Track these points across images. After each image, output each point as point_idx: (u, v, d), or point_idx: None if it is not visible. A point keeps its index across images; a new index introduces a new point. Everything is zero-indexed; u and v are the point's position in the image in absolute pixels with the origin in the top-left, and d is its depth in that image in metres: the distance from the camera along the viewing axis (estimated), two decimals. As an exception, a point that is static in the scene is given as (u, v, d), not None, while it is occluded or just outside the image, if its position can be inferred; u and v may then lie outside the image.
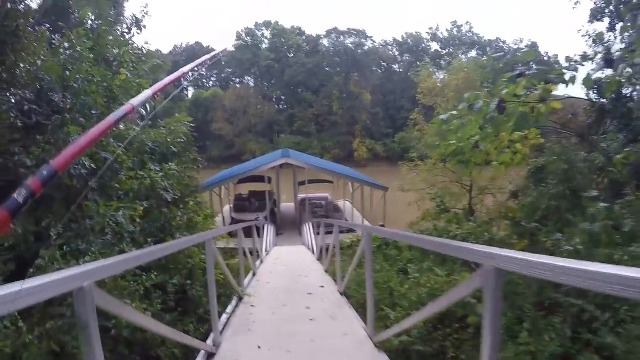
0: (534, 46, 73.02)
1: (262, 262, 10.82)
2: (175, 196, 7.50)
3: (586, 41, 18.59)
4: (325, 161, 33.05)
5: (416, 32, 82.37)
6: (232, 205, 25.54)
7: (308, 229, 15.89)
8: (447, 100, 20.50)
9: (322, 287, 7.66)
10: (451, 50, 78.14)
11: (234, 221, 23.35)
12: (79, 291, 1.87)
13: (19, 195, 1.21)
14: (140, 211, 5.96)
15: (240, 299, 6.55)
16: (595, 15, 18.28)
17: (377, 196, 24.51)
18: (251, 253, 9.58)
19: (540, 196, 12.04)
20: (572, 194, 10.56)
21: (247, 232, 9.67)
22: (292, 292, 7.34)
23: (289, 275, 9.20)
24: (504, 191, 17.85)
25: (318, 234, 13.88)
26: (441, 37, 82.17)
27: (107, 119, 1.78)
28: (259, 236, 11.87)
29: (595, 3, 18.25)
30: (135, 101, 2.08)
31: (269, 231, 15.65)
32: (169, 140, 9.22)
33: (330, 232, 11.34)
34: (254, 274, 8.90)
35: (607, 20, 17.81)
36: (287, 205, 30.20)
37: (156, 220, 6.68)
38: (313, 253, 13.11)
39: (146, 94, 2.29)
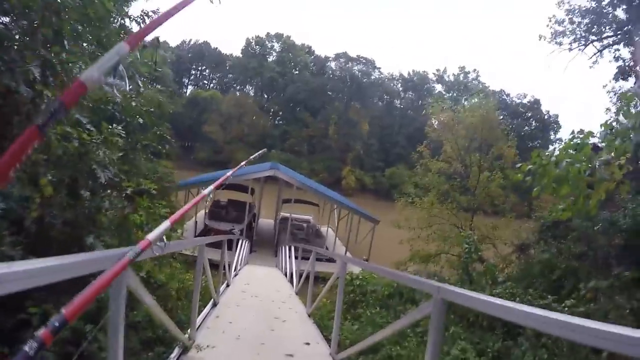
0: (536, 102, 73.56)
1: (228, 285, 9.01)
2: (119, 180, 5.01)
3: (610, 98, 18.98)
4: (314, 182, 31.23)
5: (423, 71, 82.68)
6: (207, 211, 23.78)
7: (286, 253, 14.13)
8: (456, 139, 19.28)
9: (307, 344, 5.65)
10: (455, 94, 78.30)
11: (206, 228, 21.68)
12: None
13: (30, 349, 1.18)
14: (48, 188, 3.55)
15: (184, 350, 4.53)
16: (623, 72, 18.83)
17: (364, 229, 22.69)
18: (216, 267, 8.18)
19: (558, 254, 10.81)
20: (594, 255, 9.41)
21: (217, 243, 8.06)
22: (264, 350, 5.12)
23: (261, 314, 6.99)
24: (504, 241, 16.65)
25: (296, 257, 12.37)
26: (447, 80, 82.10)
27: (122, 259, 1.76)
28: (229, 249, 10.01)
29: (622, 60, 18.93)
30: (152, 236, 2.04)
31: (242, 247, 13.89)
32: (134, 104, 6.44)
33: (307, 258, 10.46)
34: (215, 304, 6.92)
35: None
36: (265, 222, 28.60)
37: (65, 208, 4.06)
38: (290, 282, 11.46)
39: (164, 225, 2.19)
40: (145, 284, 4.15)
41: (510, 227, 18.12)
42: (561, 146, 5.76)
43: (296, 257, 12.12)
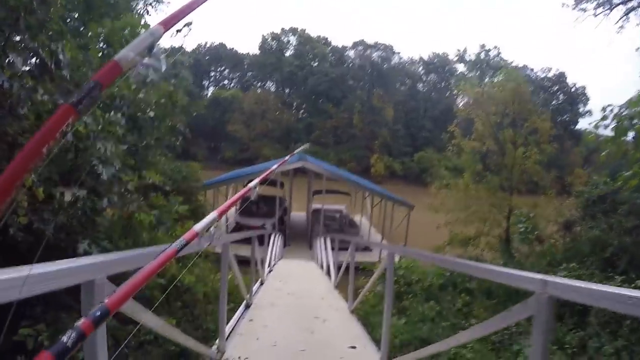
0: (561, 76, 71.44)
1: (262, 283, 8.65)
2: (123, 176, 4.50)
3: None
4: (344, 171, 30.67)
5: (443, 53, 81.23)
6: (237, 208, 23.58)
7: (321, 245, 13.71)
8: (487, 115, 18.48)
9: (353, 347, 5.10)
10: (478, 73, 76.78)
11: (237, 226, 21.48)
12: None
13: (68, 338, 1.07)
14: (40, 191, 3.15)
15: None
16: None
17: (398, 215, 22.13)
18: (248, 264, 7.76)
19: (608, 229, 10.15)
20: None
21: (249, 239, 7.65)
22: (305, 358, 4.64)
23: (299, 314, 6.44)
24: (547, 220, 15.88)
25: (332, 249, 11.98)
26: (468, 59, 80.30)
27: (168, 249, 1.63)
28: (261, 244, 9.57)
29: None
30: (198, 227, 1.90)
31: (276, 241, 13.58)
32: (141, 96, 6.06)
33: (344, 249, 10.36)
34: (248, 306, 6.44)
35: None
36: (297, 215, 28.31)
37: (58, 210, 3.55)
38: (327, 275, 11.04)
39: (211, 216, 2.03)
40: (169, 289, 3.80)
41: (551, 204, 17.44)
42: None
43: (332, 249, 11.75)
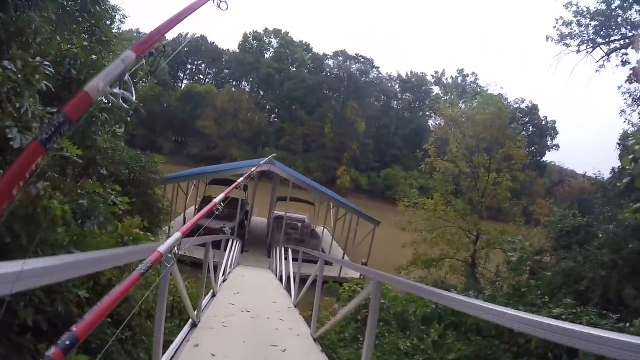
0: (534, 108, 72.95)
1: (214, 294, 7.52)
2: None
3: (625, 99, 17.88)
4: (310, 179, 29.99)
5: (421, 73, 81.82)
6: (197, 207, 22.63)
7: (281, 255, 12.98)
8: (463, 137, 18.24)
9: None
10: (452, 97, 77.68)
11: (196, 226, 20.57)
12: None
13: None
14: None
15: None
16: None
17: (362, 230, 21.54)
18: (200, 267, 6.91)
19: (583, 261, 9.89)
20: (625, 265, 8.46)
21: (191, 237, 6.79)
22: None
23: (253, 340, 5.46)
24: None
25: (295, 260, 11.27)
26: (445, 82, 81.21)
27: (132, 274, 1.70)
28: (216, 248, 8.53)
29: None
30: (163, 248, 2.01)
31: (234, 247, 12.75)
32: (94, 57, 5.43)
33: (308, 261, 10.46)
34: (194, 325, 5.39)
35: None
36: (258, 220, 27.49)
37: None
38: (287, 289, 10.29)
39: (175, 236, 2.18)
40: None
41: (520, 232, 17.27)
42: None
43: (294, 260, 11.07)
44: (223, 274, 9.55)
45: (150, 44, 1.42)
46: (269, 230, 23.37)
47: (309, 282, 8.25)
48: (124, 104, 1.32)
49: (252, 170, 5.90)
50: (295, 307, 8.16)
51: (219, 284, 8.49)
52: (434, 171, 19.00)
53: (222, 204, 3.42)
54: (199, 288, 6.49)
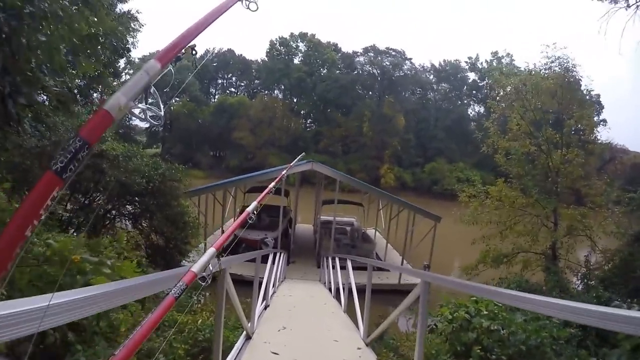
0: (576, 83, 68.41)
1: (249, 337, 5.54)
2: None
3: None
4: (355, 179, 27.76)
5: (455, 60, 78.57)
6: (235, 219, 21.13)
7: (330, 265, 11.18)
8: (524, 111, 15.95)
9: None
10: (489, 81, 74.43)
11: (235, 239, 19.00)
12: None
13: None
14: None
15: None
16: None
17: (418, 230, 19.22)
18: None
19: None
20: None
21: (234, 251, 5.34)
22: None
23: None
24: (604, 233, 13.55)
25: (343, 268, 9.51)
26: (480, 67, 77.65)
27: (165, 299, 1.58)
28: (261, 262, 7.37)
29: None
30: (196, 267, 1.82)
31: (279, 260, 10.95)
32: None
33: (360, 268, 8.61)
34: None
35: None
36: (303, 227, 25.79)
37: None
38: (342, 306, 8.42)
39: (209, 252, 1.94)
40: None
41: (601, 215, 14.97)
42: None
43: (353, 269, 9.23)
44: (263, 299, 7.62)
45: (176, 52, 1.28)
46: (316, 238, 21.62)
47: (366, 303, 6.42)
48: (152, 120, 1.17)
49: (283, 173, 5.26)
50: (367, 345, 5.91)
51: (257, 315, 6.38)
52: (495, 153, 16.61)
53: (255, 212, 2.98)
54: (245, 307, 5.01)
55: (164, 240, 10.14)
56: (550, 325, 4.98)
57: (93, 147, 0.95)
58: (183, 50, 1.30)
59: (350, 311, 7.87)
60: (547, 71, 16.19)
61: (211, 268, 1.90)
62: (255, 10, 1.65)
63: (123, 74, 32.80)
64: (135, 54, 42.57)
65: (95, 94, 22.90)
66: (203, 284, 1.93)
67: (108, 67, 19.77)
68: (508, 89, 16.91)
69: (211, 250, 1.96)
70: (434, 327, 5.62)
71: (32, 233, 0.88)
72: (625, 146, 53.35)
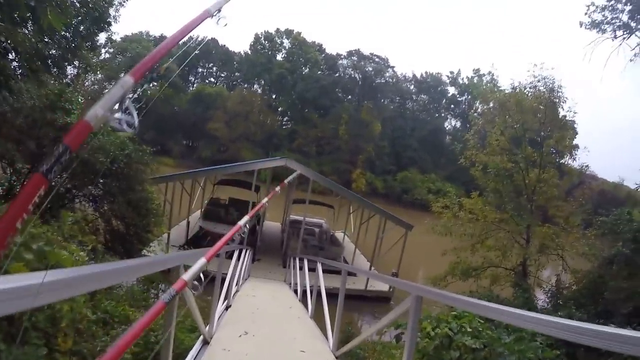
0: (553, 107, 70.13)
1: (206, 341, 4.94)
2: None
3: None
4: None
5: (437, 73, 79.37)
6: (202, 210, 20.50)
7: (295, 267, 10.79)
8: (504, 128, 15.95)
9: None
10: (468, 97, 75.63)
11: (200, 231, 18.45)
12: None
13: None
14: None
15: None
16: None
17: (388, 236, 18.93)
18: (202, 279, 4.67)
19: None
20: None
21: (195, 244, 4.99)
22: None
23: None
24: (575, 253, 13.69)
25: (311, 270, 9.21)
26: (460, 82, 78.68)
27: (155, 304, 1.73)
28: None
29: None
30: (187, 275, 1.99)
31: (244, 257, 10.47)
32: None
33: (333, 272, 8.45)
34: None
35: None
36: (271, 225, 25.33)
37: None
38: (308, 311, 7.96)
39: (200, 263, 2.13)
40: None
41: (572, 236, 15.10)
42: None
43: (312, 270, 8.86)
44: (225, 300, 7.00)
45: (149, 67, 1.38)
46: (283, 237, 21.18)
47: (339, 303, 6.06)
48: (127, 128, 1.25)
49: (277, 189, 5.08)
50: (337, 358, 5.41)
51: (216, 317, 5.74)
52: (472, 166, 16.52)
53: (247, 226, 3.19)
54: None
55: (125, 227, 9.53)
56: (534, 346, 4.71)
57: (74, 152, 1.06)
58: (158, 66, 1.41)
59: (317, 317, 7.45)
60: (532, 89, 16.15)
61: (202, 277, 2.03)
62: (225, 26, 1.72)
63: (103, 50, 31.76)
64: (117, 28, 41.20)
65: (70, 67, 21.89)
66: (195, 292, 2.06)
67: (86, 39, 18.94)
68: (491, 104, 16.84)
69: (202, 261, 2.09)
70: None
71: (21, 225, 0.97)
72: (594, 172, 54.75)
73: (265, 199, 4.27)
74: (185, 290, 1.94)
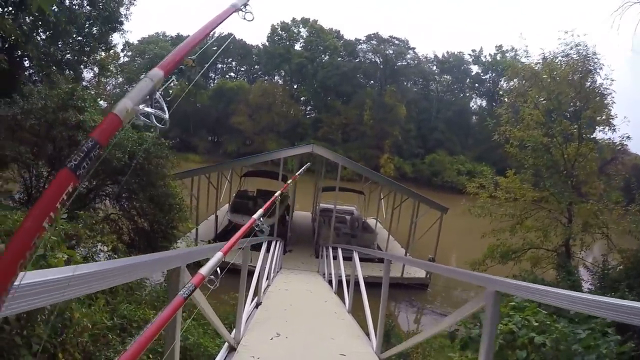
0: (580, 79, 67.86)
1: (232, 348, 4.45)
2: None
3: None
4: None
5: (459, 52, 77.55)
6: (230, 203, 20.22)
7: (328, 257, 10.30)
8: (537, 101, 15.10)
9: None
10: (492, 75, 73.75)
11: (229, 225, 18.17)
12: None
13: None
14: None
15: None
16: None
17: (422, 221, 18.31)
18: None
19: None
20: None
21: (224, 238, 4.66)
22: None
23: None
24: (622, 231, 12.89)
25: (347, 259, 8.50)
26: (484, 60, 76.60)
27: (174, 300, 1.74)
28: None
29: None
30: (204, 270, 1.95)
31: (275, 250, 10.03)
32: None
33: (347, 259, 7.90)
34: None
35: None
36: (301, 215, 24.95)
37: None
38: (345, 305, 7.43)
39: (217, 257, 2.11)
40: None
41: (616, 212, 14.22)
42: None
43: (346, 258, 8.38)
44: (254, 296, 6.52)
45: (178, 61, 1.32)
46: (314, 226, 20.79)
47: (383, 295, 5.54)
48: (157, 123, 1.22)
49: (289, 182, 5.29)
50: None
51: (244, 319, 5.03)
52: (507, 142, 15.69)
53: (261, 220, 3.10)
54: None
55: (149, 224, 9.23)
56: (607, 340, 4.12)
57: (104, 147, 1.01)
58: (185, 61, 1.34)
59: (355, 310, 6.98)
60: (564, 58, 15.18)
61: (219, 272, 1.99)
62: (252, 21, 1.68)
63: (122, 54, 31.96)
64: (134, 32, 41.27)
65: (85, 69, 21.82)
66: (211, 287, 1.99)
67: (99, 40, 18.83)
68: (522, 74, 15.89)
69: (219, 254, 2.07)
70: (467, 337, 4.62)
71: (49, 225, 0.91)
72: (627, 146, 52.74)
73: (277, 193, 3.91)
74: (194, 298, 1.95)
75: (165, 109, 1.21)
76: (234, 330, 4.58)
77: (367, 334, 5.61)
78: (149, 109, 1.17)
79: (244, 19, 1.67)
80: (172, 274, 2.47)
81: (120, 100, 1.11)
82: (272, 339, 5.02)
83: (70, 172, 0.95)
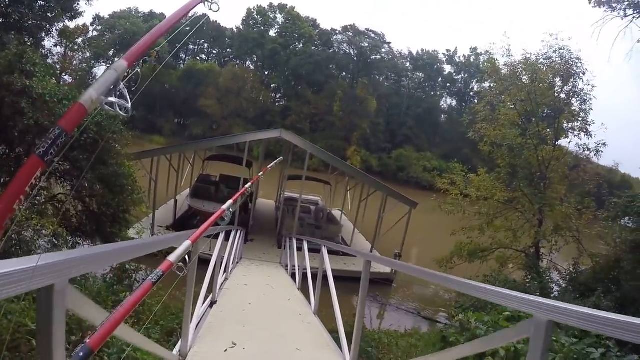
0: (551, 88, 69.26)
1: (195, 329, 4.09)
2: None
3: None
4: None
5: (433, 51, 77.86)
6: (191, 187, 19.41)
7: (291, 247, 9.70)
8: (516, 101, 14.94)
9: None
10: (464, 76, 74.55)
11: (189, 211, 17.40)
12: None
13: None
14: None
15: None
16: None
17: (390, 215, 17.84)
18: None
19: None
20: None
21: (183, 224, 4.02)
22: None
23: None
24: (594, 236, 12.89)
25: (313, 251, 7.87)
26: (457, 61, 77.18)
27: (143, 283, 1.71)
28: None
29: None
30: (173, 257, 1.96)
31: (236, 239, 9.34)
32: None
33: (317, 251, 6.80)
34: None
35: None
36: (264, 203, 24.32)
37: None
38: (311, 305, 6.74)
39: (185, 245, 2.11)
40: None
41: (585, 217, 14.24)
42: None
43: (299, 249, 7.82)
44: (208, 294, 5.67)
45: (142, 52, 1.39)
46: (277, 215, 20.19)
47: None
48: (120, 112, 1.28)
49: (267, 167, 5.49)
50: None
51: (191, 330, 4.10)
52: (480, 140, 15.47)
53: (230, 210, 3.09)
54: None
55: (97, 206, 8.39)
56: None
57: (70, 135, 1.08)
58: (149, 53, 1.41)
59: (321, 306, 6.40)
60: (546, 60, 15.03)
61: (187, 259, 2.00)
62: (217, 11, 1.77)
63: (91, 28, 30.64)
64: (105, 5, 39.67)
65: (46, 37, 20.67)
66: (180, 274, 2.01)
67: (64, 6, 17.81)
68: (503, 72, 15.65)
69: (187, 243, 2.09)
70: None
71: (19, 207, 0.99)
72: (589, 156, 54.05)
73: (248, 184, 3.93)
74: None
75: (128, 98, 1.26)
76: (179, 342, 3.85)
77: (336, 340, 4.87)
78: (112, 99, 1.22)
79: (210, 9, 1.76)
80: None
81: (86, 91, 1.16)
82: (226, 350, 4.20)
83: (39, 158, 1.03)
